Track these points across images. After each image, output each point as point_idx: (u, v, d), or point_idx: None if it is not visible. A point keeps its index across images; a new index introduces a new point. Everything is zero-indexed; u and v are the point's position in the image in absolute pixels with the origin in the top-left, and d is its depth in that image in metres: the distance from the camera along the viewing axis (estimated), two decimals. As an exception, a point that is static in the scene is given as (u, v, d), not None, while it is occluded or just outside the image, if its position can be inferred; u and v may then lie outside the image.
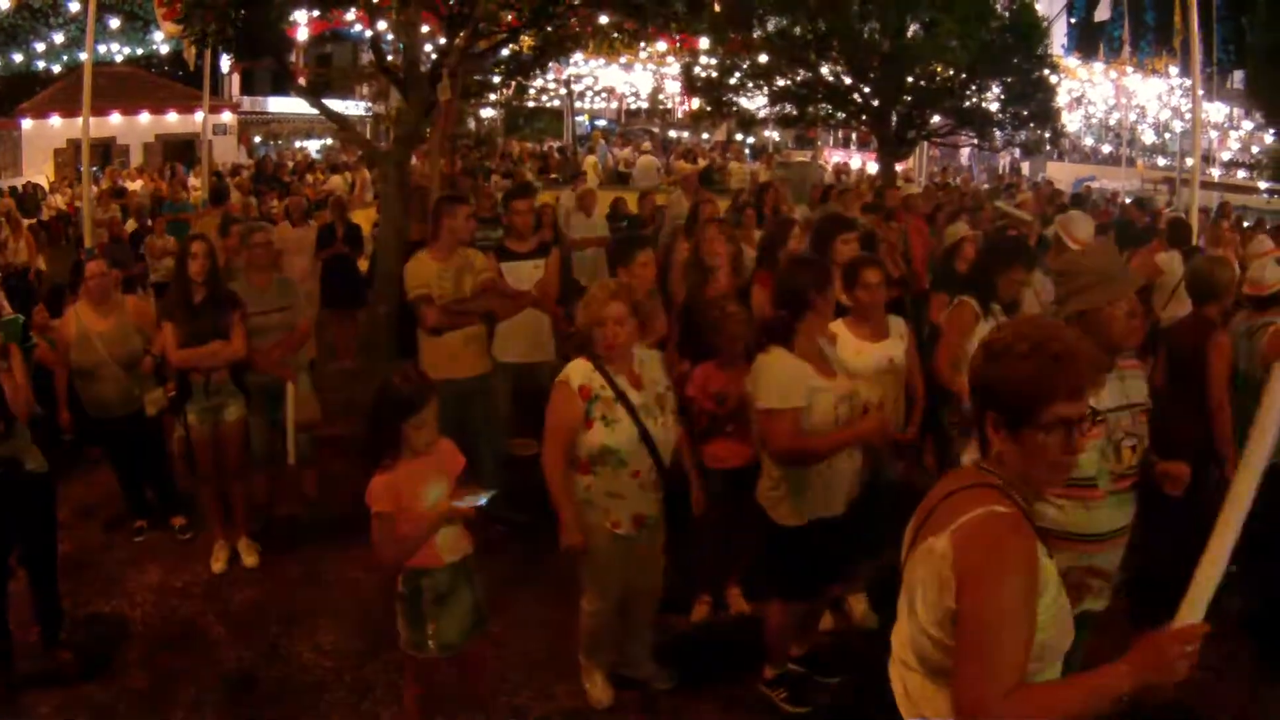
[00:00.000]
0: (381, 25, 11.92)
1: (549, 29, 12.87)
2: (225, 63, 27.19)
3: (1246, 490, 2.74)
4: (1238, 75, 42.31)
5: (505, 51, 13.41)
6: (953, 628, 2.81)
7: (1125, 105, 43.60)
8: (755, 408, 5.48)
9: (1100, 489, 4.41)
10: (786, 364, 5.36)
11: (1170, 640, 2.67)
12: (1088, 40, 46.05)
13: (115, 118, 31.96)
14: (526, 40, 13.61)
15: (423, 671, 5.16)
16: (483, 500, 4.76)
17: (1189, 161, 18.94)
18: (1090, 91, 41.80)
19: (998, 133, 23.63)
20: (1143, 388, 4.65)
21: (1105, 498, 4.39)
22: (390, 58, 12.88)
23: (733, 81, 21.86)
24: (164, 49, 31.08)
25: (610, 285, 5.57)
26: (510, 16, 12.09)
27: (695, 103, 27.45)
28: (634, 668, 6.15)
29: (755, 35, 20.17)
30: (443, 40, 12.27)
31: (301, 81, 18.34)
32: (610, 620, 5.85)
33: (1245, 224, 18.76)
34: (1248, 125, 39.54)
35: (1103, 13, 35.28)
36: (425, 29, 14.30)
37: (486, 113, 25.56)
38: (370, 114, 29.09)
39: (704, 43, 22.04)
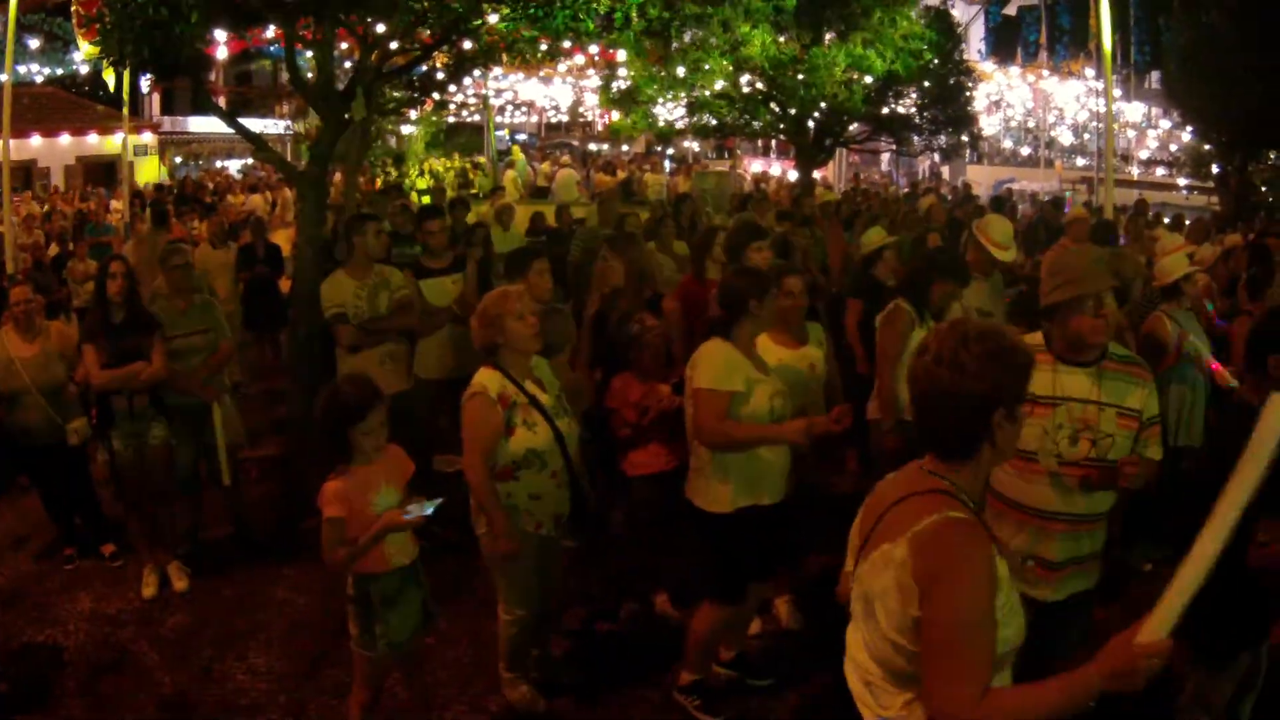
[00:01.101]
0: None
1: (465, 45, 12.90)
2: (145, 83, 26.93)
3: (1229, 518, 2.65)
4: (1155, 75, 42.85)
5: (423, 68, 13.41)
6: (916, 634, 2.91)
7: (1043, 108, 44.20)
8: (691, 389, 5.62)
9: (1040, 465, 4.59)
10: (727, 352, 5.55)
11: (1138, 652, 2.68)
12: (1005, 44, 46.60)
13: (35, 139, 31.47)
14: (441, 56, 13.63)
15: (372, 672, 5.21)
16: (429, 509, 4.82)
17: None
18: (1008, 95, 42.30)
19: (915, 138, 23.93)
20: (1129, 391, 4.70)
21: (1045, 475, 4.57)
22: (310, 75, 12.88)
23: (650, 93, 21.93)
24: (84, 69, 30.67)
25: (507, 289, 5.77)
26: (425, 34, 12.10)
27: (614, 115, 27.51)
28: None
29: (673, 47, 20.29)
30: (358, 57, 12.27)
31: (220, 101, 18.24)
32: (532, 626, 5.95)
33: (1165, 220, 19.10)
34: (1165, 124, 40.11)
35: (1012, 8, 35.81)
36: (344, 45, 14.30)
37: (406, 129, 25.47)
38: (290, 133, 28.86)
39: (622, 55, 22.10)
